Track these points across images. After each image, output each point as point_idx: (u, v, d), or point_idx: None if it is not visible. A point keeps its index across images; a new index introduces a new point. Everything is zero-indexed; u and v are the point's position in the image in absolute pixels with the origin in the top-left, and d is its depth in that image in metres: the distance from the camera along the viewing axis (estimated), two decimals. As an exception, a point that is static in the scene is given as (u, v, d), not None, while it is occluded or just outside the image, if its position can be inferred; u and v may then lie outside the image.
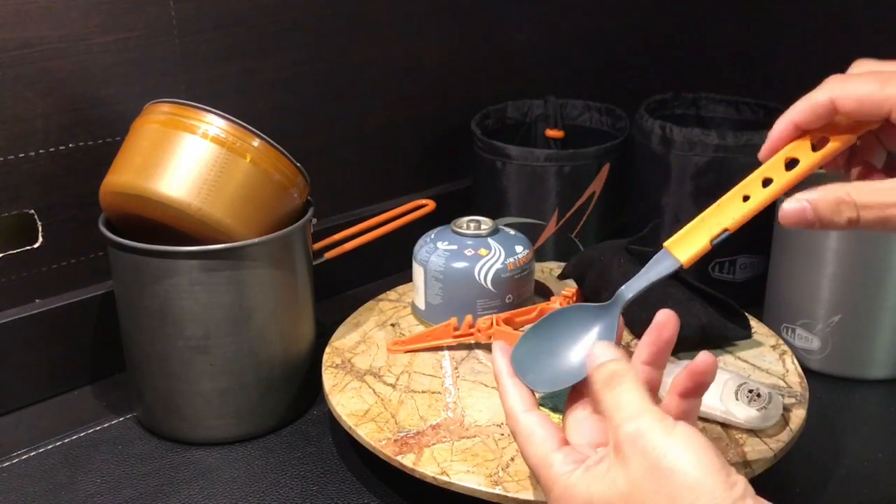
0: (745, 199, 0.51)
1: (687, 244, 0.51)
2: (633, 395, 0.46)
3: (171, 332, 0.74)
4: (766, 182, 0.51)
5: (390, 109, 1.07)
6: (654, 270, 0.52)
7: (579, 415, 0.51)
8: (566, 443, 0.50)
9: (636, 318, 0.82)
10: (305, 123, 0.99)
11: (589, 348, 0.51)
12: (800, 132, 0.50)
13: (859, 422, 0.82)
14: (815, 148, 0.50)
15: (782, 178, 0.51)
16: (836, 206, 0.46)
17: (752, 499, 0.42)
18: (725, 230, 0.51)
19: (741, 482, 0.42)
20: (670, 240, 0.52)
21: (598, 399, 0.48)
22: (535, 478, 0.50)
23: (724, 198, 0.51)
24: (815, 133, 0.51)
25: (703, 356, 0.50)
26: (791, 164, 0.51)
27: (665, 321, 0.52)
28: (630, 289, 0.53)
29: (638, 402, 0.46)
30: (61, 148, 0.81)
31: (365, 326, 0.86)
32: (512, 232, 0.88)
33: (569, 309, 0.55)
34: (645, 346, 0.52)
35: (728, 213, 0.51)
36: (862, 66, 0.50)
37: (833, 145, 0.50)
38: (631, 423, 0.44)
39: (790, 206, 0.48)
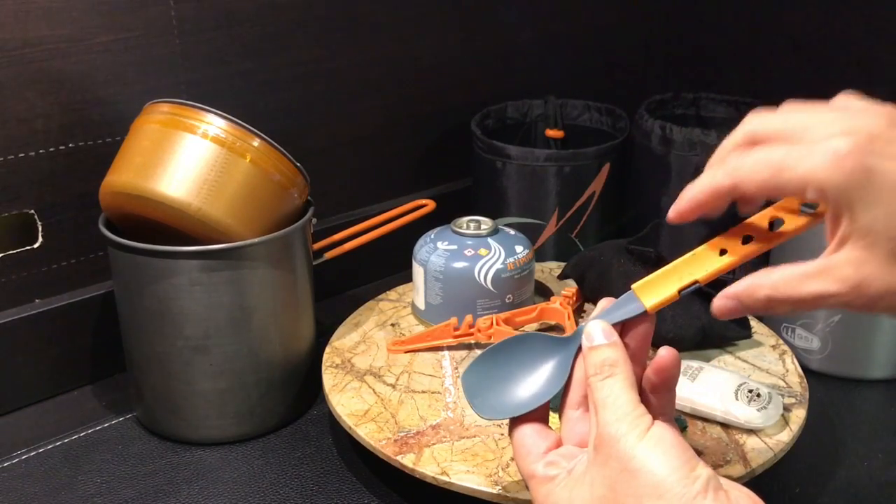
0: (722, 252, 0.49)
1: (655, 290, 0.50)
2: (621, 393, 0.46)
3: (171, 332, 0.74)
4: (747, 239, 0.49)
5: (390, 109, 1.07)
6: (619, 312, 0.51)
7: (573, 415, 0.50)
8: (558, 444, 0.50)
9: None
10: (305, 123, 0.99)
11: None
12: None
13: (859, 422, 0.82)
14: (803, 211, 0.48)
15: (763, 238, 0.49)
16: (767, 303, 0.46)
17: (714, 491, 0.42)
18: (696, 282, 0.50)
19: (703, 476, 0.43)
20: (639, 283, 0.51)
21: (589, 386, 0.48)
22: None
23: (700, 249, 0.50)
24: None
25: (665, 351, 0.50)
26: (775, 223, 0.49)
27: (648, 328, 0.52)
28: None
29: (623, 403, 0.46)
30: (61, 148, 0.81)
31: (365, 326, 0.86)
32: (512, 232, 0.88)
33: (527, 337, 0.54)
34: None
35: (702, 265, 0.50)
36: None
37: (821, 209, 0.47)
38: (612, 426, 0.45)
39: (720, 304, 0.47)
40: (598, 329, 0.50)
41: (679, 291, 0.50)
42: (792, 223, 0.48)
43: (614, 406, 0.46)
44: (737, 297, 0.47)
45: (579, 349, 0.51)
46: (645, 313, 0.51)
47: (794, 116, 0.45)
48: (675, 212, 0.49)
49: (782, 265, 0.45)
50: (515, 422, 0.51)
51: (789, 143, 0.44)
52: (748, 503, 0.43)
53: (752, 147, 0.45)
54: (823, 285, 0.43)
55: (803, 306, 0.45)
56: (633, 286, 0.51)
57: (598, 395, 0.47)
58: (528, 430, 0.51)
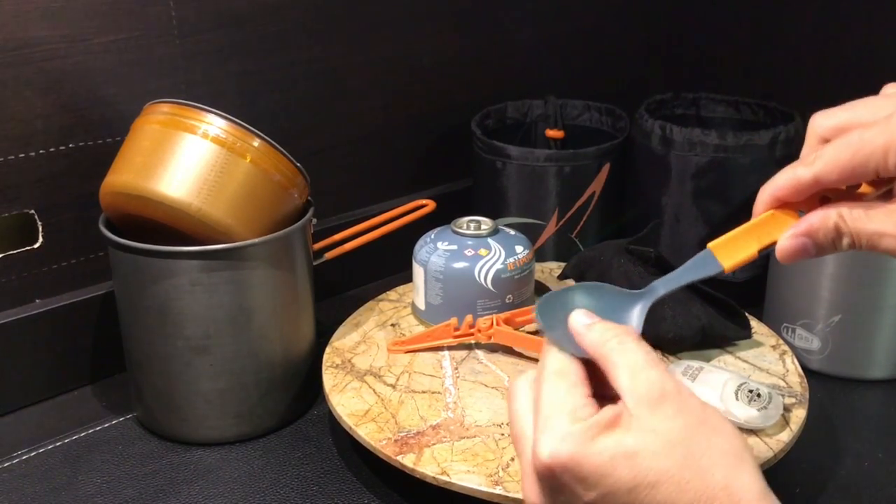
0: (801, 213, 0.48)
1: (734, 250, 0.49)
2: (651, 355, 0.44)
3: (171, 332, 0.74)
4: (824, 200, 0.48)
5: (390, 109, 1.07)
6: (694, 272, 0.49)
7: None
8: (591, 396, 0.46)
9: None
10: (305, 123, 0.99)
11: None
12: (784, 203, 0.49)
13: (859, 422, 0.82)
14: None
15: (841, 197, 0.48)
16: (835, 233, 0.46)
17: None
18: (775, 243, 0.48)
19: None
20: (716, 241, 0.49)
21: (606, 355, 0.45)
22: (534, 418, 0.45)
23: (777, 210, 0.49)
24: None
25: None
26: (853, 185, 0.48)
27: None
28: (665, 285, 0.50)
29: (660, 364, 0.44)
30: (61, 148, 0.81)
31: (365, 326, 0.86)
32: (512, 232, 0.88)
33: (601, 286, 0.52)
34: None
35: (782, 224, 0.48)
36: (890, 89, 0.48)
37: None
38: (670, 381, 0.43)
39: (790, 244, 0.47)
40: (584, 316, 0.48)
41: (759, 251, 0.49)
42: (866, 185, 0.48)
43: (656, 363, 0.44)
44: (808, 232, 0.46)
45: (651, 305, 0.50)
46: (722, 273, 0.49)
47: (857, 107, 0.46)
48: (755, 212, 0.49)
49: (850, 201, 0.46)
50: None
51: (861, 127, 0.45)
52: None
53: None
54: (884, 225, 0.44)
55: (861, 241, 0.46)
56: (710, 245, 0.50)
57: (628, 358, 0.44)
58: (579, 368, 0.46)
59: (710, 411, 0.43)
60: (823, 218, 0.46)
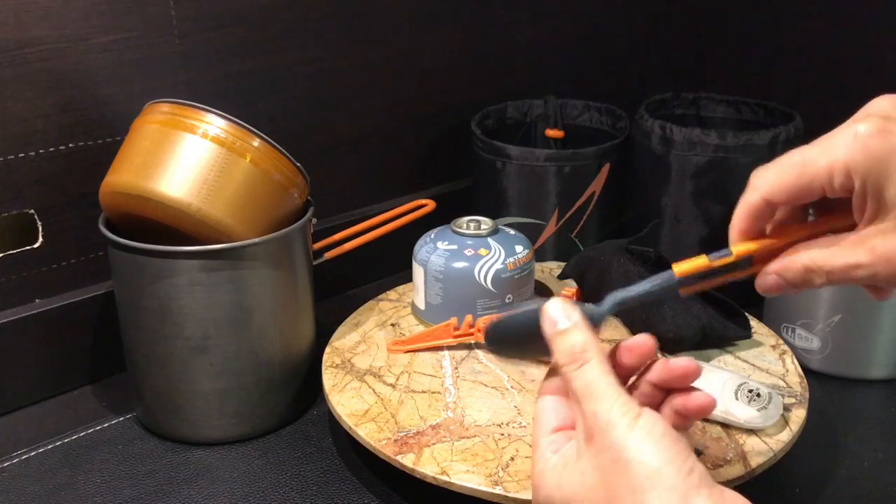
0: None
1: (686, 263, 0.51)
2: (601, 380, 0.46)
3: (171, 332, 0.74)
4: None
5: (390, 109, 1.07)
6: (653, 290, 0.51)
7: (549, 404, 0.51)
8: (571, 423, 0.49)
9: (636, 318, 0.82)
10: (305, 123, 0.99)
11: (544, 306, 0.50)
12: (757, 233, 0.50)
13: (859, 422, 0.82)
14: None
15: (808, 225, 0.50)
16: (805, 274, 0.47)
17: (708, 487, 0.42)
18: (728, 264, 0.50)
19: (698, 469, 0.43)
20: (680, 265, 0.51)
21: (564, 376, 0.48)
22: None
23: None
24: None
25: (690, 363, 0.50)
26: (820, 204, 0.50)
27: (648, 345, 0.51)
28: (619, 302, 0.52)
29: (606, 390, 0.46)
30: (61, 148, 0.81)
31: (365, 326, 0.86)
32: (512, 232, 0.88)
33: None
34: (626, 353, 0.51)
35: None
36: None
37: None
38: (601, 416, 0.45)
39: (765, 281, 0.49)
40: (557, 309, 0.50)
41: (708, 257, 0.50)
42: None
43: (597, 395, 0.46)
44: (779, 272, 0.48)
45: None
46: (678, 296, 0.51)
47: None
48: (732, 249, 0.50)
49: (820, 238, 0.47)
50: (545, 389, 0.51)
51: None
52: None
53: None
54: (855, 256, 0.45)
55: (835, 277, 0.46)
56: (675, 266, 0.51)
57: (577, 384, 0.47)
58: (548, 402, 0.50)
59: (631, 444, 0.43)
60: (793, 260, 0.47)
